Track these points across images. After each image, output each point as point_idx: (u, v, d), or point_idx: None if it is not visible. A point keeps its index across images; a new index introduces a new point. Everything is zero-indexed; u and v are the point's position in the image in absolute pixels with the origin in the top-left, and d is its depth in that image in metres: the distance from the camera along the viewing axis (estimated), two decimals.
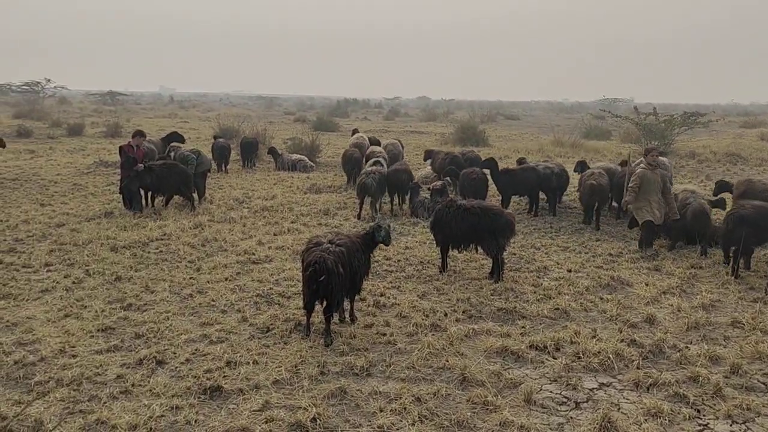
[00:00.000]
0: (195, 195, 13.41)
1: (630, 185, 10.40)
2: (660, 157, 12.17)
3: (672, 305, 7.80)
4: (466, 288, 8.40)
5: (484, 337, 6.76)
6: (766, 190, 11.33)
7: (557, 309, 7.62)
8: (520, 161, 14.75)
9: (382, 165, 14.17)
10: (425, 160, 17.43)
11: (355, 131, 20.86)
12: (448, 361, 6.06)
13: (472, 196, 13.08)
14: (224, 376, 5.68)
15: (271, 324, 6.93)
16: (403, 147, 18.91)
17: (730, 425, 5.10)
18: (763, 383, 5.82)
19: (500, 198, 13.53)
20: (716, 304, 7.93)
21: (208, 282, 8.38)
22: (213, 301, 7.69)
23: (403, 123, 47.95)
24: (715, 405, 5.40)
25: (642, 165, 10.50)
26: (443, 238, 8.97)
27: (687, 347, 6.55)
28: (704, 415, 5.25)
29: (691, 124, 23.61)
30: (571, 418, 5.18)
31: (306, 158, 19.71)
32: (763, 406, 5.38)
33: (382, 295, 7.96)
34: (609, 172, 13.24)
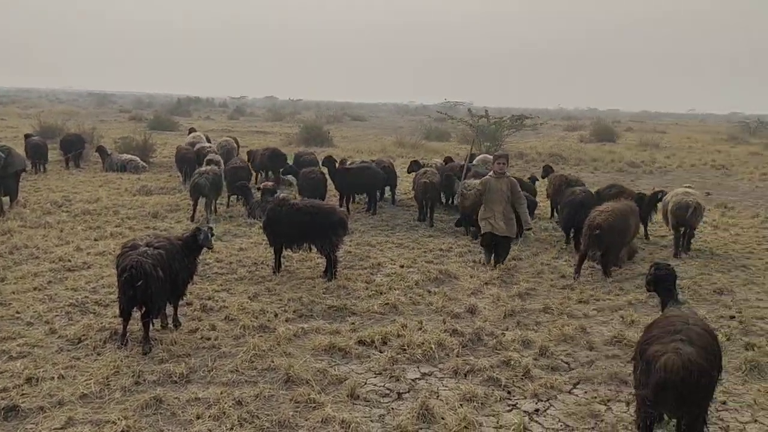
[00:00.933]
0: (6, 198, 12.20)
1: (477, 188, 9.99)
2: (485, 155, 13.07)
3: (492, 295, 8.30)
4: (299, 287, 8.38)
5: (313, 335, 6.77)
6: (577, 181, 12.92)
7: (387, 304, 7.81)
8: (342, 162, 15.05)
9: (219, 164, 13.80)
10: (248, 161, 16.77)
11: (192, 130, 20.14)
12: (273, 361, 5.99)
13: (311, 196, 13.12)
14: (23, 395, 5.19)
15: (84, 335, 6.45)
16: (238, 146, 18.52)
17: (536, 403, 5.51)
18: (566, 363, 6.36)
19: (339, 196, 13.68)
20: (531, 292, 8.56)
21: (13, 293, 7.64)
22: (17, 313, 7.02)
23: (249, 123, 47.05)
24: (524, 386, 5.80)
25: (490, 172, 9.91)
26: (276, 237, 8.89)
27: (503, 333, 6.99)
28: (514, 396, 5.63)
29: (519, 126, 25.43)
30: (392, 409, 5.33)
31: (138, 158, 18.68)
32: (565, 383, 5.87)
33: (209, 299, 7.71)
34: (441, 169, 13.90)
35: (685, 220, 10.47)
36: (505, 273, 9.38)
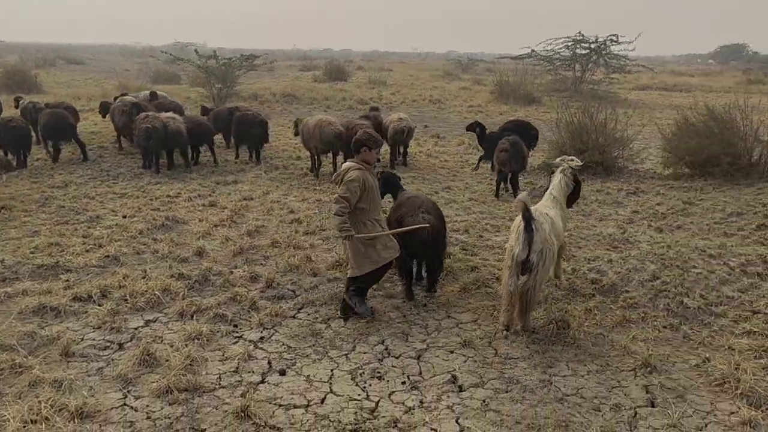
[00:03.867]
0: None
1: (342, 194, 5.82)
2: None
3: (222, 236, 8.36)
4: (1, 249, 7.56)
5: (20, 298, 6.23)
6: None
7: (107, 257, 7.44)
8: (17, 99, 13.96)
9: None
10: None
11: None
12: None
13: (13, 147, 11.96)
14: None
15: None
16: None
17: (261, 332, 5.78)
18: (292, 291, 6.72)
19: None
20: (260, 229, 8.79)
21: None
22: None
23: None
24: (250, 318, 6.03)
25: (353, 163, 6.01)
26: None
27: (231, 272, 7.13)
28: (240, 329, 5.83)
29: (251, 67, 25.20)
30: (113, 360, 5.20)
31: None
32: (290, 309, 6.23)
33: None
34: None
35: (402, 140, 13.10)
36: (236, 213, 9.44)
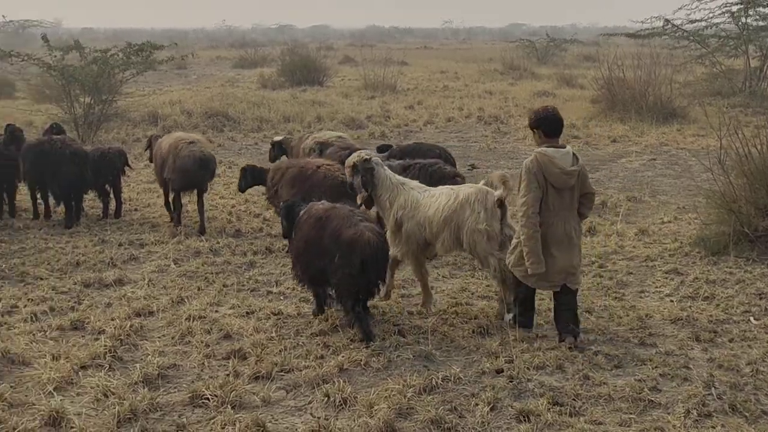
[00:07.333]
0: None
1: None
2: None
3: (96, 387, 8.23)
4: None
5: None
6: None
7: None
8: None
9: None
10: None
11: None
12: None
13: None
14: None
15: None
16: None
17: None
18: None
19: None
20: (169, 372, 8.71)
21: None
22: None
23: None
24: None
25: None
26: None
27: None
28: None
29: (144, 65, 25.30)
30: None
31: None
32: None
33: None
34: None
35: None
36: (121, 343, 9.39)
